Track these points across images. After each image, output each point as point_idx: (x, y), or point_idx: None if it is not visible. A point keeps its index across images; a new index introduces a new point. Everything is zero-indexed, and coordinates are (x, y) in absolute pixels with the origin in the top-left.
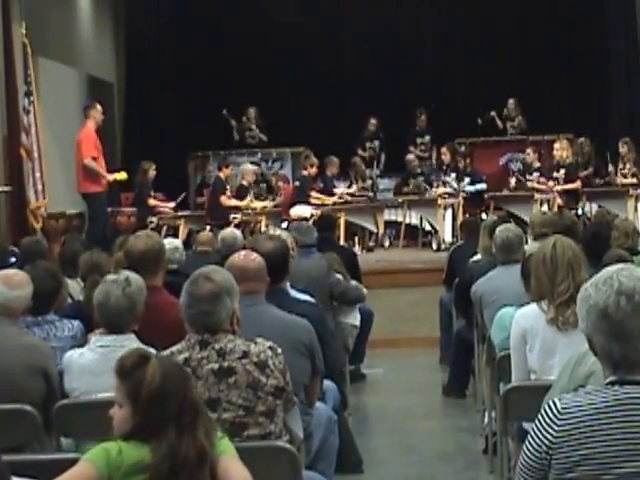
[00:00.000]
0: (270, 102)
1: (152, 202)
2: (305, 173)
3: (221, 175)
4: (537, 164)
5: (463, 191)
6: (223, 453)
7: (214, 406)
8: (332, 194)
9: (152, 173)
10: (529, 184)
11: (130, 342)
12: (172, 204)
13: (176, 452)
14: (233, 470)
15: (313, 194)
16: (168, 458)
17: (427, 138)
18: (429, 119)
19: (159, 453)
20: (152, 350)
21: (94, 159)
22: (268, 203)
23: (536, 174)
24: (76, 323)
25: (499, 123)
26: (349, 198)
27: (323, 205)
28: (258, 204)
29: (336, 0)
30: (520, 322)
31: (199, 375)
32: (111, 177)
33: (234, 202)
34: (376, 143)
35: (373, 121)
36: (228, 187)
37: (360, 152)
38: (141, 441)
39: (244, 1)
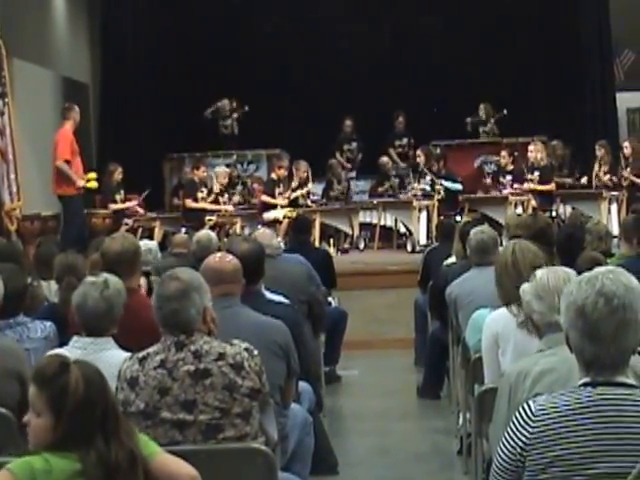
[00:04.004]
0: (246, 104)
1: (112, 206)
2: (273, 175)
3: (194, 177)
4: (510, 167)
5: (441, 184)
6: (152, 454)
7: (190, 408)
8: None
9: (118, 176)
10: (504, 191)
11: (108, 346)
12: (133, 203)
13: (107, 459)
14: (170, 462)
15: (263, 197)
16: (101, 466)
17: (405, 140)
18: (407, 121)
19: (89, 462)
20: (128, 353)
21: (67, 162)
22: (228, 207)
23: (509, 177)
24: (48, 324)
25: (469, 129)
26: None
27: (297, 207)
28: (225, 207)
29: (316, 2)
30: (491, 326)
31: (175, 377)
32: (81, 183)
33: (196, 205)
34: (353, 145)
35: (348, 122)
36: (204, 189)
37: (338, 156)
38: (67, 451)
39: (220, 2)
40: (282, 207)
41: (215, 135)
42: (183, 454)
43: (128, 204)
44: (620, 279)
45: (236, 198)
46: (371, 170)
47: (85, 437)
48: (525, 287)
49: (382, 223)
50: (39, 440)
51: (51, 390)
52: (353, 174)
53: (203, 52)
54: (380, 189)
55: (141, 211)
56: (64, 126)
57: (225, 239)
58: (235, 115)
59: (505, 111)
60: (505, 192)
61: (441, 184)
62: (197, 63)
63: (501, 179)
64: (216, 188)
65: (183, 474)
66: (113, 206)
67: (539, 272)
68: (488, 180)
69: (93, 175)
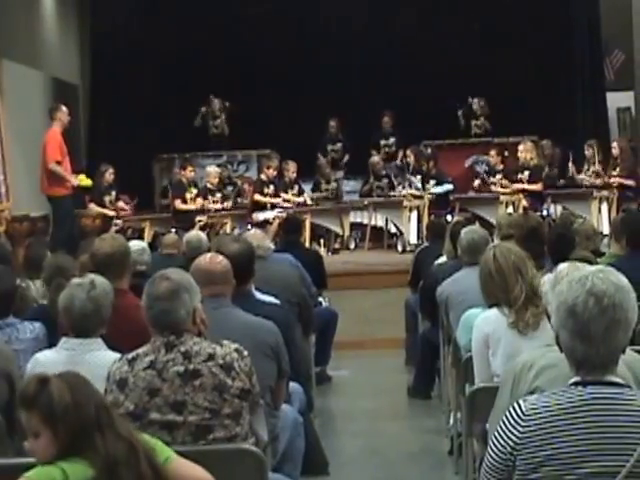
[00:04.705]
0: (237, 103)
1: (91, 206)
2: (262, 176)
3: (182, 179)
4: (500, 166)
5: (430, 193)
6: (168, 458)
7: (180, 409)
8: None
9: (109, 177)
10: (492, 187)
11: (97, 346)
12: (123, 211)
13: (107, 455)
14: (186, 466)
15: (256, 196)
16: (105, 465)
17: (392, 140)
18: (394, 121)
19: (98, 466)
20: (117, 354)
21: (59, 163)
22: (216, 206)
23: (499, 176)
24: (37, 325)
25: (462, 122)
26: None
27: (288, 208)
28: (213, 206)
29: (305, 4)
30: (482, 327)
31: (165, 378)
32: (75, 182)
33: (185, 206)
34: (338, 145)
35: (332, 123)
36: (194, 190)
37: (321, 157)
38: (77, 456)
39: (210, 2)
40: (273, 207)
41: (206, 135)
42: None
43: (111, 213)
44: (610, 278)
45: (227, 204)
46: (362, 170)
47: (86, 439)
48: (546, 278)
49: (373, 223)
50: (45, 458)
51: (39, 407)
52: (340, 174)
53: (192, 52)
54: (369, 188)
55: (127, 209)
56: (52, 128)
57: (215, 239)
58: (224, 116)
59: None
60: (494, 189)
61: (430, 193)
62: (186, 63)
63: (491, 178)
64: (209, 185)
65: (199, 479)
66: (94, 207)
67: (561, 265)
68: (478, 180)
69: (83, 176)
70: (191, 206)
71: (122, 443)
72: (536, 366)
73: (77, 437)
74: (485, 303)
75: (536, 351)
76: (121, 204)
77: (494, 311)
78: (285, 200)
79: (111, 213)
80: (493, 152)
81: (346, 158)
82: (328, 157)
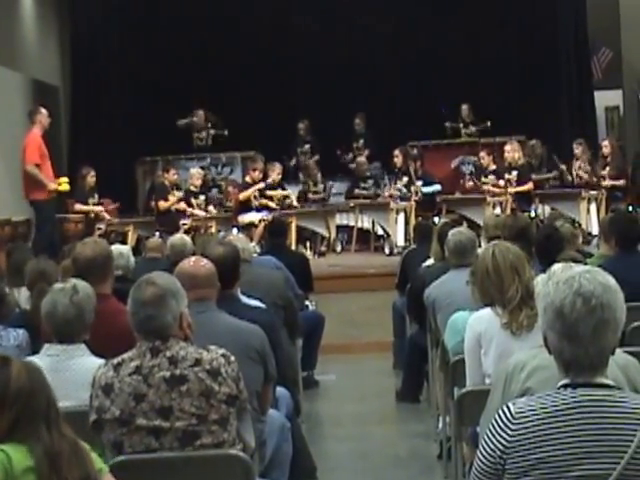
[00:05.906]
0: (220, 105)
1: (77, 207)
2: (247, 178)
3: (165, 181)
4: (492, 166)
5: (419, 192)
6: (102, 470)
7: (166, 414)
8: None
9: (90, 180)
10: (485, 187)
11: (80, 352)
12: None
13: (51, 448)
14: None
15: (242, 194)
16: (46, 456)
17: (361, 142)
18: (365, 122)
19: (38, 454)
20: (102, 359)
21: (37, 166)
22: (200, 213)
23: (492, 176)
24: (21, 332)
25: (457, 129)
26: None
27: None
28: (197, 211)
29: (285, 2)
30: (474, 326)
31: (150, 383)
32: (52, 186)
33: (169, 204)
34: (306, 147)
35: (301, 125)
36: (177, 192)
37: (286, 160)
38: (18, 442)
39: (190, 3)
40: (259, 209)
41: (190, 145)
42: (159, 461)
43: (96, 208)
44: (597, 278)
45: (210, 207)
46: (347, 171)
47: (31, 427)
48: (539, 279)
49: (359, 225)
50: None
51: None
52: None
53: (175, 54)
54: (356, 191)
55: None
56: (32, 130)
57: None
58: (212, 132)
59: (489, 123)
60: (485, 188)
61: (419, 192)
62: (169, 65)
63: (483, 179)
64: (192, 188)
65: None
66: (80, 207)
67: (555, 265)
68: (469, 182)
69: (65, 179)
70: (174, 204)
71: (66, 441)
72: (528, 367)
73: (21, 424)
74: (479, 302)
75: (528, 352)
76: (100, 208)
77: (487, 310)
78: (270, 198)
79: (97, 208)
80: (483, 153)
81: (315, 158)
82: (300, 159)
